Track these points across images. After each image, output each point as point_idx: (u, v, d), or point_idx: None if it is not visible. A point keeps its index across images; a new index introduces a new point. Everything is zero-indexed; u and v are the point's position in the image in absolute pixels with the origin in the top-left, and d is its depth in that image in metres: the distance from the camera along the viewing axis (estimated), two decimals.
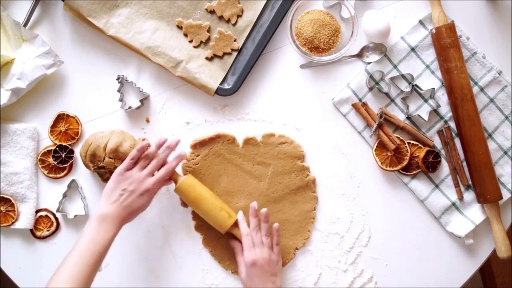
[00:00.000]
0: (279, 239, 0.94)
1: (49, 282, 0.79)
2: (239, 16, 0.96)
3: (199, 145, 0.98)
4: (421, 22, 0.96)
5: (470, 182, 0.97)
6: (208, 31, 0.96)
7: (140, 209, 0.88)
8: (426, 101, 0.97)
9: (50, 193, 0.99)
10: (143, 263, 0.99)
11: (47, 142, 0.98)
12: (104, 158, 0.92)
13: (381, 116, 0.95)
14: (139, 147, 0.88)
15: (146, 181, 0.87)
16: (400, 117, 0.97)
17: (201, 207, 0.92)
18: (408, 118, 0.97)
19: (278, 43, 0.98)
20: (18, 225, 0.97)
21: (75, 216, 0.97)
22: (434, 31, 0.94)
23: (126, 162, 0.88)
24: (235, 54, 0.96)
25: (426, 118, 0.96)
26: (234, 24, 0.96)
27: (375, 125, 0.95)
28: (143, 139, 0.97)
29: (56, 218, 0.99)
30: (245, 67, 0.95)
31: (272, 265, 0.90)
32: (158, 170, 0.89)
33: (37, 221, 0.98)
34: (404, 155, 0.95)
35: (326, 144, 0.98)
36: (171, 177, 0.92)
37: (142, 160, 0.89)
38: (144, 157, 0.89)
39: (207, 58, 0.96)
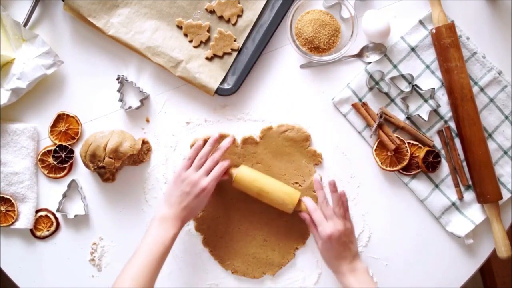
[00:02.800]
0: (348, 204, 0.92)
1: (115, 282, 0.82)
2: (239, 16, 0.96)
3: None
4: (421, 22, 0.96)
5: (470, 182, 0.97)
6: (208, 31, 0.96)
7: (198, 208, 0.91)
8: (426, 101, 0.97)
9: (50, 193, 0.99)
10: None
11: (47, 142, 0.98)
12: (104, 158, 0.92)
13: (381, 116, 0.95)
14: (195, 147, 0.92)
15: (201, 182, 0.89)
16: (400, 117, 0.97)
17: (264, 196, 0.92)
18: (408, 118, 0.97)
19: (278, 43, 0.98)
20: (18, 225, 0.97)
21: (75, 216, 0.97)
22: (434, 31, 0.94)
23: (184, 162, 0.91)
24: (235, 54, 0.96)
25: (426, 118, 0.96)
26: (234, 24, 0.96)
27: (375, 125, 0.95)
28: (144, 139, 0.97)
29: (56, 218, 0.99)
30: (245, 67, 0.95)
31: (348, 233, 0.89)
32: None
33: (37, 221, 0.98)
34: (404, 155, 0.95)
35: (326, 144, 0.98)
36: (226, 172, 0.94)
37: (197, 160, 0.91)
38: (199, 157, 0.91)
39: (207, 58, 0.96)
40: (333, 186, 0.90)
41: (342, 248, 0.87)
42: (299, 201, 0.93)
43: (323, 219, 0.89)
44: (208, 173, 0.90)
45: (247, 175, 0.93)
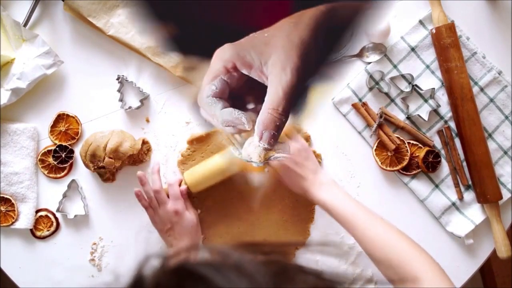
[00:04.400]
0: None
1: None
2: None
3: (196, 141, 0.97)
4: (421, 22, 0.96)
5: (470, 182, 0.97)
6: None
7: (191, 225, 0.91)
8: (426, 101, 0.97)
9: (50, 193, 0.99)
10: None
11: (47, 142, 0.98)
12: (104, 158, 0.92)
13: (381, 116, 0.95)
14: (140, 197, 0.91)
15: (168, 212, 0.90)
16: (400, 117, 0.97)
17: (217, 176, 0.93)
18: (408, 118, 0.97)
19: None
20: (18, 225, 0.97)
21: (75, 216, 0.97)
22: (434, 31, 0.94)
23: (148, 212, 0.92)
24: None
25: (426, 118, 0.96)
26: None
27: (375, 125, 0.95)
28: (144, 139, 0.97)
29: (56, 218, 0.98)
30: None
31: (295, 157, 0.89)
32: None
33: (37, 221, 0.98)
34: (404, 155, 0.95)
35: (326, 144, 0.98)
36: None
37: (150, 201, 0.91)
38: (149, 199, 0.92)
39: None
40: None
41: (297, 174, 0.88)
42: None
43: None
44: (164, 202, 0.91)
45: (192, 174, 0.93)
